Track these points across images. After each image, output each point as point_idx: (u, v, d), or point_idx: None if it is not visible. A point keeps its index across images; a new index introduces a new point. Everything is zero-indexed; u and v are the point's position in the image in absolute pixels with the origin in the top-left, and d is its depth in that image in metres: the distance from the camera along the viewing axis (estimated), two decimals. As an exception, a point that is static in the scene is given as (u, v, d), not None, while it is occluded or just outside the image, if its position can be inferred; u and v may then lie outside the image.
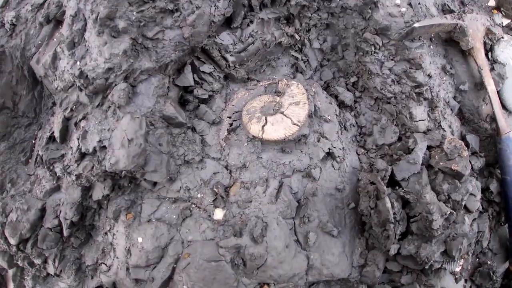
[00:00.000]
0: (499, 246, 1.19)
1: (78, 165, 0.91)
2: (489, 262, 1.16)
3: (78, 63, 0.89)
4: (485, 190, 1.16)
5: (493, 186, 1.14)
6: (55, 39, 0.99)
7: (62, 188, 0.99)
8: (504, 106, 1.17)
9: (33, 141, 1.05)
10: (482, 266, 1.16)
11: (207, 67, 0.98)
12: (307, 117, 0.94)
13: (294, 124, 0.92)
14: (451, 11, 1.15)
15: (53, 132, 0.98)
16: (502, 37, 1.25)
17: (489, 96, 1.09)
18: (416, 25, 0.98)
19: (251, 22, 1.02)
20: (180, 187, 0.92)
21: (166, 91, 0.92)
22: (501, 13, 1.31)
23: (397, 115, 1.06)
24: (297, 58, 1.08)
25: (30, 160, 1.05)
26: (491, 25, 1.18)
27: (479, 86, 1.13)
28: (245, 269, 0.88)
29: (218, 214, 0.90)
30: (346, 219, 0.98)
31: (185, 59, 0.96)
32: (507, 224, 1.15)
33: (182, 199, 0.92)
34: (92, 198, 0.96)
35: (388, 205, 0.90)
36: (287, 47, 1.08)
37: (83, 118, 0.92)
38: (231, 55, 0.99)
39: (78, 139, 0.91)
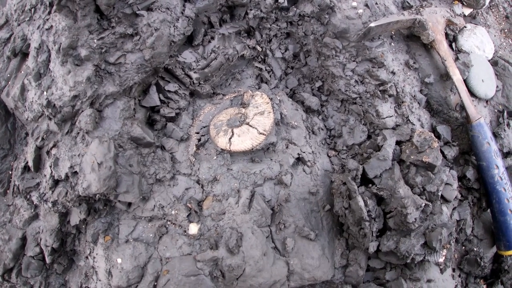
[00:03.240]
0: (484, 231, 1.20)
1: (53, 192, 0.93)
2: (475, 249, 1.17)
3: (45, 93, 0.91)
4: (462, 178, 1.17)
5: (470, 173, 1.15)
6: (22, 72, 1.02)
7: (40, 216, 1.00)
8: (472, 94, 1.19)
9: (10, 172, 1.07)
10: (469, 253, 1.16)
11: (172, 86, 1.01)
12: (273, 126, 0.96)
13: (260, 133, 0.94)
14: (411, 7, 1.18)
15: (27, 162, 1.00)
16: (465, 27, 1.27)
17: (455, 86, 1.11)
18: (372, 24, 1.00)
19: (212, 38, 1.05)
20: (154, 206, 0.94)
21: (133, 113, 0.94)
22: (463, 3, 1.34)
23: (364, 114, 1.08)
24: (261, 69, 1.11)
25: (8, 190, 1.07)
26: (451, 16, 1.21)
27: (445, 77, 1.15)
28: (224, 281, 0.89)
29: (193, 228, 0.91)
30: (323, 222, 0.99)
31: (149, 80, 0.99)
32: (489, 209, 1.16)
33: (157, 217, 0.93)
34: (70, 223, 0.97)
35: (361, 203, 0.91)
36: (250, 59, 1.11)
37: (54, 146, 0.94)
38: (194, 72, 1.01)
39: (50, 166, 0.93)
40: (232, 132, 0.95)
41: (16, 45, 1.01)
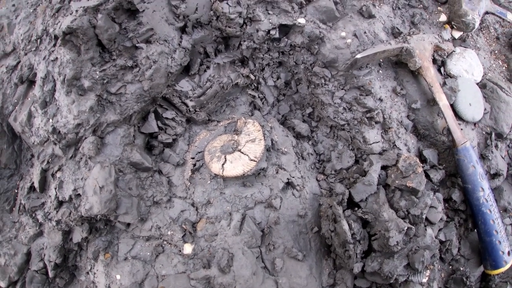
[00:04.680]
0: (471, 251, 1.23)
1: (57, 212, 0.99)
2: (462, 268, 1.21)
3: (50, 120, 0.97)
4: (448, 200, 1.21)
5: (456, 195, 1.19)
6: (29, 99, 1.09)
7: (44, 233, 1.07)
8: (459, 117, 1.23)
9: (16, 191, 1.14)
10: (455, 273, 1.20)
11: (169, 113, 1.07)
12: (264, 152, 1.01)
13: (252, 160, 1.00)
14: (401, 33, 1.22)
15: (33, 183, 1.07)
16: (454, 51, 1.31)
17: (441, 111, 1.15)
18: (359, 56, 1.05)
19: (208, 67, 1.10)
20: (152, 226, 0.99)
21: (132, 139, 1.00)
22: (453, 27, 1.38)
23: (352, 140, 1.13)
24: (254, 96, 1.16)
25: (14, 208, 1.13)
26: (439, 42, 1.25)
27: (432, 102, 1.19)
28: (216, 299, 0.94)
29: (187, 248, 0.96)
30: (311, 243, 1.04)
31: (148, 108, 1.05)
32: (475, 230, 1.20)
33: (154, 237, 0.99)
34: (73, 241, 1.03)
35: (345, 227, 0.96)
36: (244, 87, 1.16)
37: (59, 169, 1.00)
38: (191, 100, 1.07)
39: (55, 188, 0.99)
40: (225, 158, 1.01)
41: (23, 73, 1.08)
